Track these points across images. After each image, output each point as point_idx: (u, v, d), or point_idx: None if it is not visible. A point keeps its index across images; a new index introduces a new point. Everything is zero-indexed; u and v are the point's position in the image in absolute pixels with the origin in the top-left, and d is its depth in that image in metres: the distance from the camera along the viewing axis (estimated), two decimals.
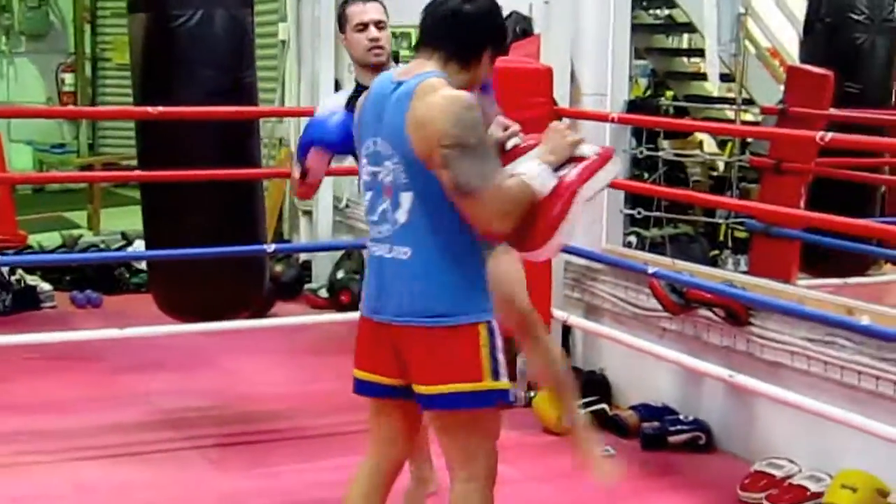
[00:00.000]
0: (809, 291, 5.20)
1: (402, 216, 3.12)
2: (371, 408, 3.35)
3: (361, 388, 3.33)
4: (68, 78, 13.09)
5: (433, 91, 3.06)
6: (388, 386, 3.24)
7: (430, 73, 3.12)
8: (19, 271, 8.02)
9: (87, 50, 13.00)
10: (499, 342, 3.16)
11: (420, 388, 3.15)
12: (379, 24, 4.19)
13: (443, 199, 3.04)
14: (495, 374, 3.14)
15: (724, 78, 7.48)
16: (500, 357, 3.16)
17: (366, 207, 3.24)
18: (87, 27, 13.00)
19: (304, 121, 8.88)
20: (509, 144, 3.26)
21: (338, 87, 8.63)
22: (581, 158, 3.14)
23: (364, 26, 4.18)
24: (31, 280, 8.06)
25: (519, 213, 3.04)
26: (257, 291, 5.75)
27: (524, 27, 6.46)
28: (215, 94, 5.28)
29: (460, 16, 3.16)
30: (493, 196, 3.00)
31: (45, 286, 8.06)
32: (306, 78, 8.88)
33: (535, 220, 3.06)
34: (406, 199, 3.10)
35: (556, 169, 3.11)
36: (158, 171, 5.36)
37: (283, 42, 9.10)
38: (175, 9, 5.19)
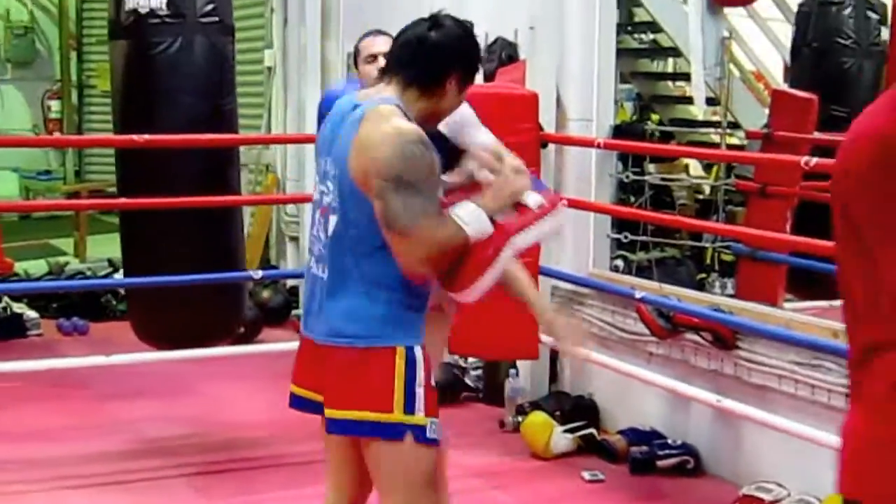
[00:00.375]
0: (796, 315, 5.21)
1: (330, 236, 3.06)
2: (322, 434, 3.20)
3: (295, 402, 3.21)
4: (54, 105, 13.08)
5: (382, 119, 2.97)
6: (320, 403, 3.10)
7: (385, 99, 3.04)
8: (6, 299, 8.00)
9: (74, 77, 13.01)
10: (420, 374, 3.00)
11: (327, 411, 3.04)
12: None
13: (370, 225, 2.93)
14: (409, 408, 2.97)
15: (710, 102, 7.50)
16: (419, 391, 2.99)
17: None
18: (73, 54, 12.99)
19: (291, 147, 8.97)
20: (479, 175, 3.13)
21: None
22: (523, 207, 3.04)
23: (373, 58, 4.16)
24: (18, 308, 8.04)
25: (444, 258, 2.94)
26: (236, 318, 5.74)
27: (510, 53, 6.47)
28: (195, 121, 5.28)
29: (425, 42, 3.09)
30: (418, 239, 2.89)
31: (32, 314, 8.03)
32: (292, 104, 8.89)
33: (464, 262, 2.96)
34: (333, 220, 3.03)
35: (498, 213, 3.01)
36: (138, 198, 5.35)
37: (269, 69, 9.12)
38: (155, 36, 5.20)
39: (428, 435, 3.01)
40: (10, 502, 4.92)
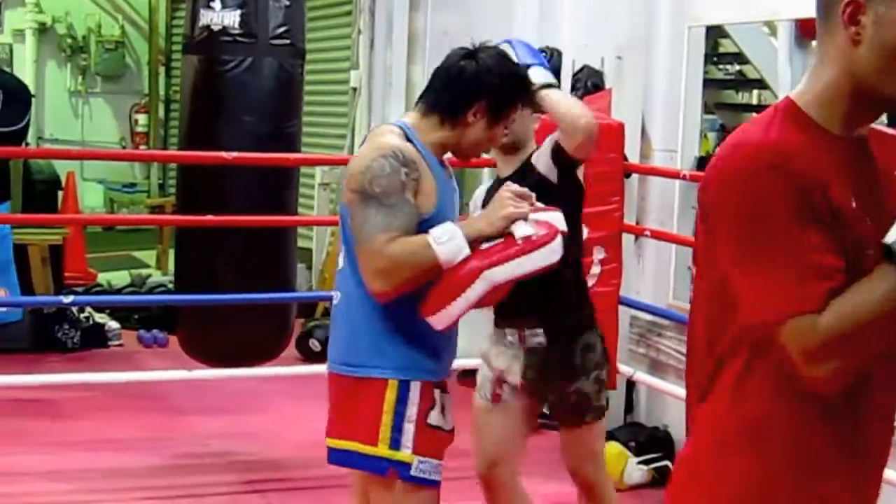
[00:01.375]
0: None
1: (340, 263, 3.04)
2: None
3: None
4: (142, 119, 13.28)
5: (373, 138, 2.96)
6: None
7: (396, 122, 3.01)
8: (88, 309, 8.11)
9: (161, 91, 13.20)
10: (411, 410, 2.93)
11: (326, 439, 3.02)
12: None
13: None
14: (394, 443, 2.92)
15: None
16: (408, 426, 2.92)
17: None
18: (162, 69, 13.19)
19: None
20: (518, 233, 2.88)
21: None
22: (510, 237, 2.89)
23: None
24: (100, 318, 8.16)
25: (405, 276, 2.82)
26: (280, 340, 5.72)
27: (595, 81, 6.46)
28: (256, 141, 5.32)
29: (454, 70, 3.03)
30: (373, 251, 2.81)
31: (113, 324, 8.14)
32: (376, 125, 8.93)
33: (436, 284, 2.86)
34: (342, 249, 3.03)
35: (489, 239, 2.88)
36: (195, 215, 5.40)
37: (355, 89, 9.17)
38: (225, 54, 5.25)
39: (412, 473, 2.93)
40: None
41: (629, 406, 6.29)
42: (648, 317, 6.12)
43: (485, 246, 2.88)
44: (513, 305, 3.41)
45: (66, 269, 8.56)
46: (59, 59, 13.24)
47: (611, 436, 5.88)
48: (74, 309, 7.82)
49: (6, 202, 5.84)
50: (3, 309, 6.17)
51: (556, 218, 2.97)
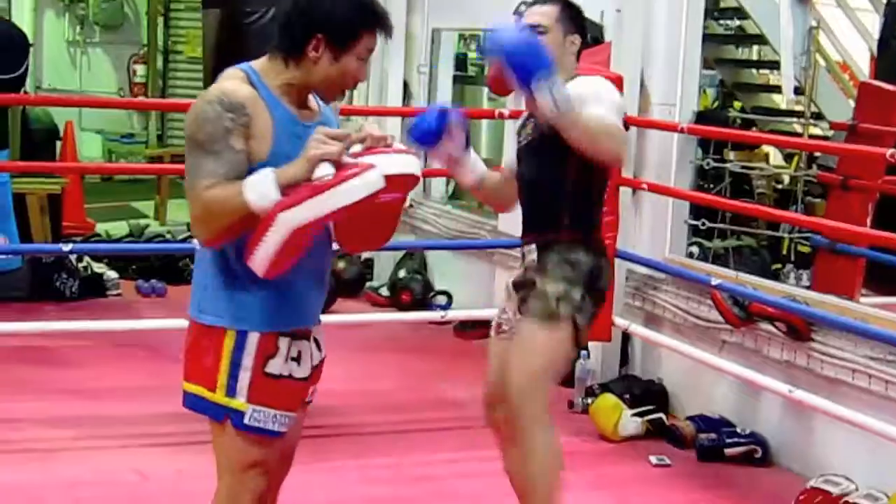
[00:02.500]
0: (872, 309, 5.17)
1: None
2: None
3: None
4: (140, 69, 13.26)
5: (216, 82, 2.90)
6: None
7: (243, 65, 2.94)
8: (87, 258, 8.14)
9: (160, 42, 13.17)
10: (248, 360, 2.91)
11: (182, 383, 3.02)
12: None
13: None
14: (230, 391, 2.91)
15: (794, 91, 7.44)
16: (243, 375, 2.91)
17: None
18: (161, 20, 13.15)
19: (371, 119, 9.01)
20: (315, 175, 2.77)
21: (406, 88, 8.68)
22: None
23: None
24: (98, 268, 8.17)
25: (222, 223, 2.78)
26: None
27: (595, 34, 6.45)
28: None
29: (289, 6, 2.93)
30: (194, 198, 2.79)
31: (112, 274, 8.17)
32: (375, 78, 8.92)
33: (251, 232, 2.81)
34: None
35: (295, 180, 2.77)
36: None
37: None
38: (248, 6, 5.24)
39: (246, 422, 2.92)
40: (85, 458, 5.03)
41: (624, 359, 6.34)
42: (644, 270, 6.15)
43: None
44: (522, 228, 3.81)
45: (64, 218, 8.59)
46: (58, 9, 13.21)
47: (606, 388, 5.95)
48: (73, 258, 7.85)
49: (5, 150, 5.83)
50: (2, 256, 6.17)
51: (395, 161, 2.87)
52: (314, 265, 3.00)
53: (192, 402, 2.99)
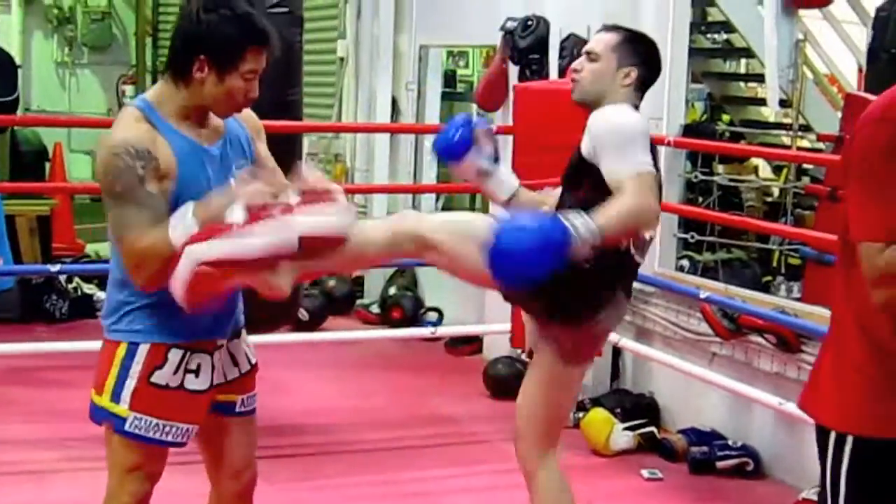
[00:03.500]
0: None
1: None
2: None
3: None
4: (129, 90, 13.22)
5: (113, 126, 2.95)
6: None
7: (137, 99, 3.00)
8: (76, 279, 8.13)
9: (148, 62, 13.16)
10: (136, 368, 3.00)
11: None
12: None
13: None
14: (115, 396, 3.03)
15: (782, 104, 7.45)
16: (129, 383, 3.01)
17: None
18: (149, 40, 13.15)
19: (360, 137, 9.03)
20: (228, 215, 2.81)
21: (395, 104, 8.69)
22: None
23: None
24: (88, 288, 8.17)
25: (155, 268, 2.83)
26: (292, 308, 5.72)
27: (581, 49, 6.47)
28: (259, 110, 5.31)
29: (175, 30, 2.99)
30: (127, 249, 2.87)
31: (101, 294, 8.13)
32: (363, 95, 8.95)
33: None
34: None
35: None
36: None
37: (342, 59, 9.17)
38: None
39: (126, 428, 3.04)
40: (74, 479, 5.01)
41: (615, 373, 6.34)
42: (635, 284, 6.14)
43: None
44: None
45: (54, 240, 8.58)
46: (46, 30, 13.17)
47: (597, 402, 5.95)
48: (62, 279, 7.84)
49: None
50: None
51: (319, 221, 2.91)
52: None
53: (90, 408, 3.11)
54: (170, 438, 3.09)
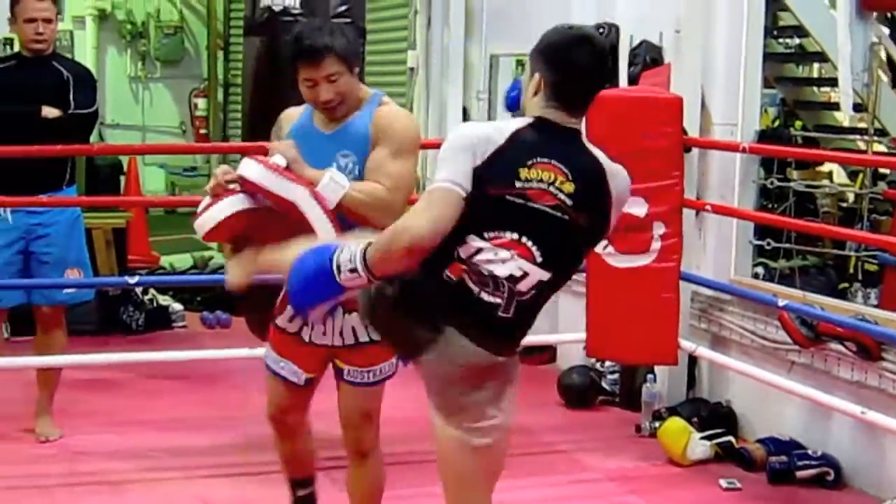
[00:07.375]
0: None
1: None
2: None
3: None
4: (201, 103, 13.37)
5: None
6: None
7: None
8: (152, 291, 8.21)
9: (220, 76, 13.29)
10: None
11: None
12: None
13: None
14: None
15: (857, 108, 7.36)
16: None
17: None
18: (220, 53, 13.27)
19: (431, 150, 9.02)
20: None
21: (465, 114, 8.69)
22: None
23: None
24: (164, 300, 8.26)
25: None
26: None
27: (654, 56, 6.44)
28: None
29: None
30: None
31: (177, 306, 8.24)
32: (434, 105, 8.95)
33: None
34: None
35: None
36: None
37: (412, 69, 9.18)
38: (287, 34, 5.26)
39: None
40: (153, 488, 5.07)
41: (691, 382, 6.28)
42: (710, 292, 6.10)
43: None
44: None
45: (129, 252, 8.66)
46: (119, 46, 13.36)
47: (673, 411, 5.90)
48: (139, 291, 7.92)
49: (73, 186, 5.97)
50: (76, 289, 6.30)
51: (215, 209, 3.61)
52: None
53: None
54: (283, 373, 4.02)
